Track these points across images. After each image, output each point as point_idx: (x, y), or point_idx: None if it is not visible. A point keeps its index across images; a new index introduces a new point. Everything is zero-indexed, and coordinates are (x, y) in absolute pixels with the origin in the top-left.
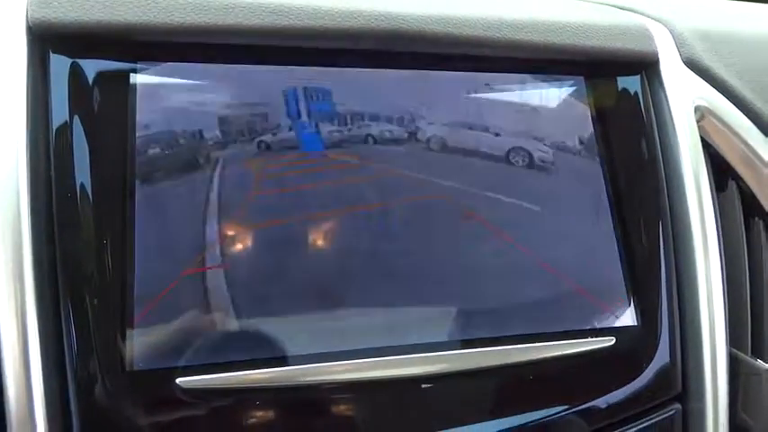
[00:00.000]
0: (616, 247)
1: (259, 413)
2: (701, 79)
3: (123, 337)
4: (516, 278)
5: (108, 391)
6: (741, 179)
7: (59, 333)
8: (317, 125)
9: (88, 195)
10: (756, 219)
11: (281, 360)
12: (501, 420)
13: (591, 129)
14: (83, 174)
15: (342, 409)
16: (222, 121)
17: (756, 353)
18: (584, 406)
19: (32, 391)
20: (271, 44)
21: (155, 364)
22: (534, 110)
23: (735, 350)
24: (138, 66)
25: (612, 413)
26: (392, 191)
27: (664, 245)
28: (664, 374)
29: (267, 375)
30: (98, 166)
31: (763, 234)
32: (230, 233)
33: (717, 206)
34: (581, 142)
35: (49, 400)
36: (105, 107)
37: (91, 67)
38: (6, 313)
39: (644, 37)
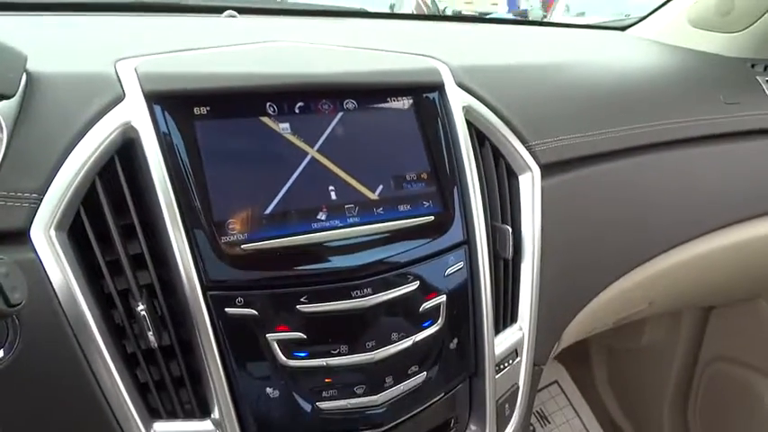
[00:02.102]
0: (434, 176)
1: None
2: (465, 93)
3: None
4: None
5: (217, 254)
6: (490, 140)
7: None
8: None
9: (184, 168)
10: (500, 159)
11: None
12: (373, 251)
13: (414, 117)
14: (176, 157)
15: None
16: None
17: (505, 222)
18: (418, 246)
19: (187, 256)
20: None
21: (232, 240)
22: (387, 112)
23: (495, 222)
24: (195, 109)
25: (433, 249)
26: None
27: (451, 173)
28: (457, 232)
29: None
30: (188, 151)
31: (503, 167)
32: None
33: (479, 153)
34: (411, 124)
35: (193, 254)
36: (184, 126)
37: (173, 110)
38: (178, 239)
39: (437, 74)
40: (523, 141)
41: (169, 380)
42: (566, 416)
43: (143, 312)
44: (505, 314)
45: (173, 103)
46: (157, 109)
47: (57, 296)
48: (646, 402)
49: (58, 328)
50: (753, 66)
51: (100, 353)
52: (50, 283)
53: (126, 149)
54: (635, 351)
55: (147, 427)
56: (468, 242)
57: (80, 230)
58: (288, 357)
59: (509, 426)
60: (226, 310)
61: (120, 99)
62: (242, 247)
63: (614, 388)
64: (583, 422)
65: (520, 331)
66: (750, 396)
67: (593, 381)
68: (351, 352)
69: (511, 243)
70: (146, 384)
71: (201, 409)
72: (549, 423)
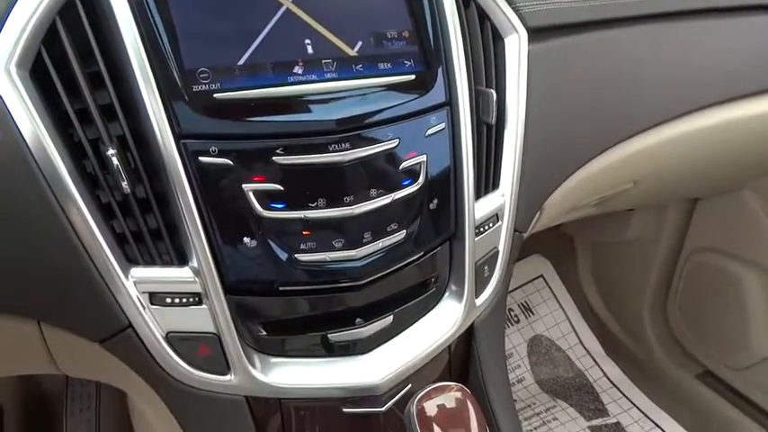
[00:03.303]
0: (415, 34)
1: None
2: None
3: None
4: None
5: (189, 103)
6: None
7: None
8: None
9: (150, 13)
10: (486, 21)
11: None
12: (351, 107)
13: None
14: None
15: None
16: None
17: (489, 86)
18: (399, 104)
19: (158, 105)
20: None
21: (204, 89)
22: None
23: (478, 86)
24: None
25: (413, 108)
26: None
27: (434, 32)
28: (439, 93)
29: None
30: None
31: (489, 29)
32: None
33: (463, 13)
34: None
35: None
36: None
37: None
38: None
39: None
40: (510, 2)
41: (146, 231)
42: (549, 308)
43: (114, 158)
44: (487, 180)
45: None
46: None
47: (25, 141)
48: (628, 295)
49: (29, 175)
50: None
51: (74, 201)
52: (17, 127)
53: None
54: (619, 245)
55: (126, 272)
56: (451, 104)
57: (46, 77)
58: (264, 208)
59: (488, 287)
60: (200, 158)
61: None
62: (215, 96)
63: (598, 282)
64: (566, 314)
65: (501, 198)
66: (729, 283)
67: (578, 275)
68: (329, 206)
69: (494, 108)
70: (123, 235)
71: (180, 259)
72: (533, 314)
